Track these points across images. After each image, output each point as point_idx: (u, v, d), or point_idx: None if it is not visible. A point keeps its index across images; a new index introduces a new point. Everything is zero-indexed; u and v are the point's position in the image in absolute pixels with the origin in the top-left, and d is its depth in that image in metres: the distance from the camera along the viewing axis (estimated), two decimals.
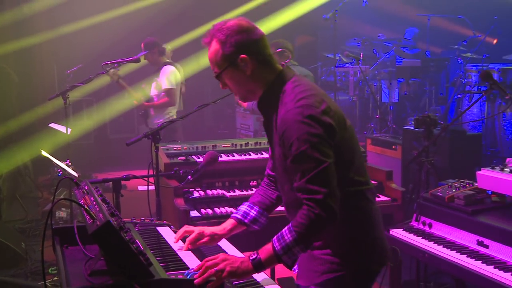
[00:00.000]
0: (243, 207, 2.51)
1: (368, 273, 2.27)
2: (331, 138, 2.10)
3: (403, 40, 8.98)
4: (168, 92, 6.09)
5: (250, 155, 4.02)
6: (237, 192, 3.75)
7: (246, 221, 2.45)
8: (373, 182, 3.91)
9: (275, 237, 2.09)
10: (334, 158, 2.09)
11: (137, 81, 6.53)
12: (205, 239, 2.41)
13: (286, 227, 2.08)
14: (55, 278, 4.49)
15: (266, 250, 2.07)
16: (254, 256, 2.06)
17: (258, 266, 2.05)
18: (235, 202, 3.65)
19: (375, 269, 2.28)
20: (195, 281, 1.93)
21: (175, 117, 6.28)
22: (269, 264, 2.06)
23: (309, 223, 2.02)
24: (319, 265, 2.23)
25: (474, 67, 7.07)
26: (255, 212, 2.47)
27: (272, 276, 3.71)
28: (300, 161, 2.06)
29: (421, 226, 3.37)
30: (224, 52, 2.19)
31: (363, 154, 4.20)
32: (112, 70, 5.65)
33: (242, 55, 2.17)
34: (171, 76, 6.09)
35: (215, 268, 1.99)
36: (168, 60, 6.40)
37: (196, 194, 3.67)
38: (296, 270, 2.37)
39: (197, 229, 2.42)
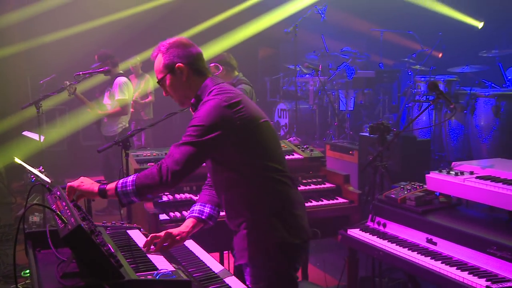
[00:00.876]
0: (196, 207, 2.61)
1: (292, 247, 2.43)
2: (227, 128, 2.33)
3: (358, 53, 9.11)
4: (121, 102, 6.05)
5: None
6: None
7: (203, 217, 2.56)
8: (331, 185, 4.00)
9: (122, 180, 2.39)
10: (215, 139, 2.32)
11: (92, 91, 6.46)
12: (175, 238, 2.47)
13: (133, 175, 2.40)
14: (27, 281, 4.37)
15: (111, 184, 2.40)
16: (102, 184, 2.40)
17: (102, 192, 2.39)
18: None
19: (297, 242, 2.44)
20: None
21: (127, 125, 6.27)
22: (110, 193, 2.37)
23: (150, 179, 2.33)
24: (249, 244, 2.41)
25: (422, 78, 7.21)
26: (208, 209, 2.59)
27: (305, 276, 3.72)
28: (183, 136, 2.37)
29: (376, 226, 3.40)
30: (165, 61, 2.49)
31: (322, 158, 4.25)
32: (68, 83, 5.61)
33: (178, 64, 2.46)
34: (124, 87, 6.06)
35: (73, 184, 2.40)
36: (121, 72, 6.35)
37: (165, 198, 3.63)
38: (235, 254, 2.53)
39: (163, 232, 2.45)
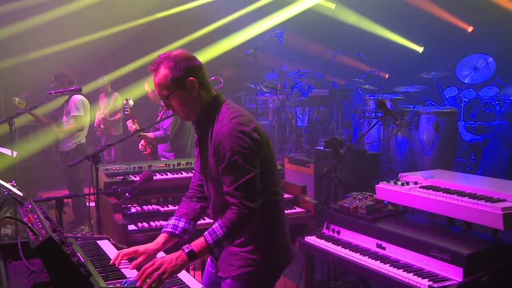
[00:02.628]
0: (171, 221, 2.46)
1: (277, 269, 2.37)
2: (259, 152, 2.21)
3: (312, 73, 9.25)
4: (76, 118, 5.95)
5: (181, 173, 3.98)
6: (171, 207, 3.69)
7: (177, 232, 2.41)
8: (289, 195, 4.02)
9: (206, 232, 2.16)
10: (259, 169, 2.20)
11: (49, 109, 6.32)
12: (141, 257, 2.27)
13: (216, 224, 2.16)
14: None
15: (199, 243, 2.14)
16: (188, 249, 2.12)
17: (192, 256, 2.11)
18: (169, 216, 3.54)
19: (282, 266, 2.38)
20: None
21: (83, 141, 6.14)
22: (201, 255, 2.13)
23: (238, 221, 2.13)
24: (237, 260, 2.31)
25: (371, 97, 7.36)
26: (183, 223, 2.44)
27: None
28: (232, 169, 2.15)
29: (331, 233, 3.43)
30: (174, 76, 2.23)
31: (281, 171, 4.29)
32: (18, 99, 5.49)
33: (190, 78, 2.23)
34: (78, 104, 5.95)
35: (157, 273, 2.02)
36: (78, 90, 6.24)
37: (133, 210, 3.57)
38: (213, 265, 2.46)
39: (132, 249, 2.30)
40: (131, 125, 4.97)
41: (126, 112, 5.00)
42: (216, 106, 2.29)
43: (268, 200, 2.30)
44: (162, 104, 4.88)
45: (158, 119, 4.80)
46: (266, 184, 2.27)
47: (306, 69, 9.38)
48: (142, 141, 5.08)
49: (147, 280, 2.01)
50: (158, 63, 2.27)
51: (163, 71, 2.25)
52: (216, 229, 2.15)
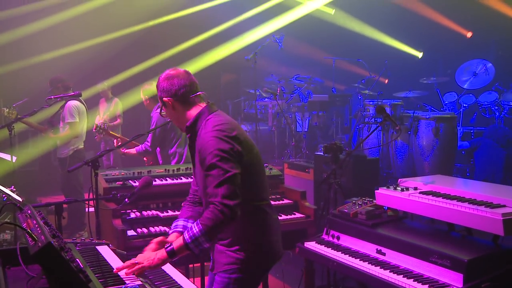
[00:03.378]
0: (180, 222, 2.58)
1: (261, 269, 2.54)
2: (239, 157, 2.35)
3: (311, 78, 9.27)
4: (70, 125, 5.92)
5: (181, 179, 3.98)
6: (170, 213, 3.69)
7: None
8: (289, 201, 4.02)
9: (186, 230, 2.31)
10: (240, 170, 2.32)
11: (46, 115, 6.31)
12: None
13: (194, 223, 2.31)
14: None
15: (178, 241, 2.29)
16: (168, 247, 2.29)
17: (171, 253, 2.28)
18: (169, 222, 3.58)
19: (266, 266, 2.56)
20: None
21: (81, 147, 6.12)
22: (180, 252, 2.28)
23: (214, 219, 2.24)
24: (224, 258, 2.48)
25: (371, 102, 7.35)
26: (191, 224, 2.48)
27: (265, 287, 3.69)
28: (212, 171, 2.30)
29: (330, 239, 3.42)
30: (159, 94, 2.55)
31: (280, 176, 4.28)
32: (7, 110, 5.48)
33: (165, 98, 2.50)
34: (73, 110, 5.89)
35: (138, 266, 2.21)
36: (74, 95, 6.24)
37: (132, 215, 3.57)
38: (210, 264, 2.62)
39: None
40: (118, 144, 5.04)
41: (102, 135, 5.07)
42: (203, 117, 2.48)
43: (254, 206, 2.46)
44: (151, 114, 4.95)
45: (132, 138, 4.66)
46: (250, 190, 2.43)
47: (306, 75, 9.39)
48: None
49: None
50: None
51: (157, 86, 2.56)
52: (193, 227, 2.29)
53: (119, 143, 5.04)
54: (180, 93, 2.49)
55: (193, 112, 2.50)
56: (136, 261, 2.26)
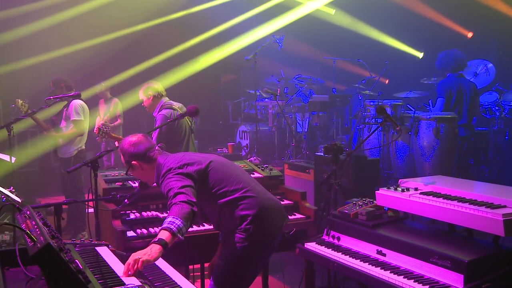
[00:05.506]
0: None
1: (263, 243, 2.96)
2: (185, 178, 2.82)
3: (312, 78, 9.27)
4: (76, 122, 5.94)
5: None
6: None
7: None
8: (289, 202, 4.02)
9: (166, 225, 2.51)
10: (188, 184, 2.78)
11: (47, 115, 6.31)
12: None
13: (169, 218, 2.55)
14: None
15: (164, 234, 2.47)
16: (158, 239, 2.44)
17: (164, 244, 2.43)
18: None
19: (267, 239, 2.98)
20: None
21: (83, 147, 6.13)
22: (171, 241, 2.47)
23: (183, 210, 2.59)
24: (230, 244, 2.93)
25: (371, 103, 7.34)
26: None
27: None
28: (168, 193, 2.75)
29: (331, 240, 3.42)
30: (125, 159, 3.02)
31: (280, 177, 4.28)
32: (21, 101, 5.49)
33: (133, 161, 2.99)
34: (79, 108, 5.93)
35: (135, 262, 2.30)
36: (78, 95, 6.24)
37: (132, 216, 3.57)
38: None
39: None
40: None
41: (104, 139, 5.05)
42: (158, 167, 2.98)
43: (235, 197, 2.92)
44: (154, 114, 4.91)
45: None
46: (224, 188, 2.92)
47: (306, 75, 9.39)
48: None
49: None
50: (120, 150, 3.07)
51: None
52: (173, 220, 2.54)
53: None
54: (142, 154, 2.99)
55: (154, 166, 2.99)
56: (134, 258, 2.29)
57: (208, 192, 2.92)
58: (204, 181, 2.92)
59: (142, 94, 5.03)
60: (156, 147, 3.04)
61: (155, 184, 3.05)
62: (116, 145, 5.04)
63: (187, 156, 3.02)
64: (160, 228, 2.52)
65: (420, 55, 10.17)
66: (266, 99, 9.09)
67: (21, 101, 5.51)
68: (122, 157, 3.05)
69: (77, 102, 5.94)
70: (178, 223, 2.51)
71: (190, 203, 2.64)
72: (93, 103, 6.35)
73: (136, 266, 2.24)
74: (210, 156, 3.10)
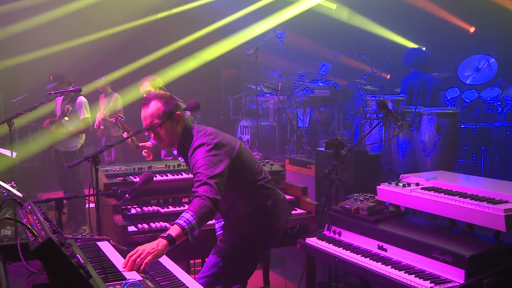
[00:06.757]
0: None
1: (269, 234, 3.02)
2: (220, 161, 2.71)
3: (314, 74, 9.25)
4: (85, 120, 5.96)
5: (182, 174, 3.98)
6: (171, 208, 3.69)
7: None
8: (290, 197, 4.02)
9: (179, 220, 2.47)
10: (222, 171, 2.68)
11: (45, 110, 6.33)
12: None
13: (185, 213, 2.50)
14: None
15: (174, 229, 2.43)
16: (166, 235, 2.40)
17: (172, 241, 2.40)
18: (169, 217, 3.60)
19: (273, 232, 3.03)
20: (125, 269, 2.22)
21: (83, 142, 6.17)
22: (179, 238, 2.43)
23: (203, 207, 2.51)
24: (236, 230, 2.98)
25: (373, 98, 7.33)
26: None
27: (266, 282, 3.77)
28: (197, 176, 2.65)
29: (332, 235, 3.43)
30: (165, 109, 2.79)
31: (281, 172, 4.28)
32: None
33: (177, 112, 2.82)
34: (87, 105, 5.98)
35: (140, 258, 2.26)
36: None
37: (133, 211, 3.58)
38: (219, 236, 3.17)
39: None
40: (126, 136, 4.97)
41: (119, 129, 4.99)
42: (188, 133, 2.86)
43: (255, 186, 2.93)
44: None
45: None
46: (249, 175, 2.92)
47: (307, 70, 9.38)
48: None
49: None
50: (150, 99, 2.81)
51: (155, 104, 2.79)
52: (184, 214, 2.49)
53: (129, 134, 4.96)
54: (182, 110, 2.88)
55: (180, 128, 2.86)
56: (138, 252, 2.29)
57: (231, 175, 2.78)
58: (232, 165, 2.80)
59: (149, 86, 4.80)
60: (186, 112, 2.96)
61: (175, 151, 2.95)
62: (124, 136, 4.99)
63: (220, 134, 2.89)
64: (174, 222, 2.48)
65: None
66: (267, 94, 9.09)
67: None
68: (147, 114, 2.80)
69: (84, 99, 6.00)
70: (193, 224, 2.46)
71: (213, 201, 2.55)
72: (92, 98, 6.36)
73: (140, 264, 2.24)
74: (235, 139, 2.99)
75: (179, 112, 2.83)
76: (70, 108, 5.87)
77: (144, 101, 2.83)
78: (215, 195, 2.57)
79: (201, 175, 2.62)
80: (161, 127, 2.80)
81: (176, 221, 2.47)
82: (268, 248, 3.15)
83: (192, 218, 2.47)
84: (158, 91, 4.74)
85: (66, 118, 5.98)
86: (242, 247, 2.96)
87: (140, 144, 4.97)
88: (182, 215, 2.49)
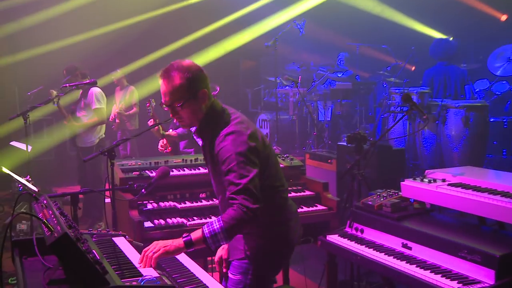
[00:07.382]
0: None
1: (279, 254, 2.67)
2: (255, 157, 2.41)
3: (335, 65, 9.19)
4: (98, 111, 6.00)
5: (199, 169, 3.99)
6: (188, 204, 3.70)
7: None
8: (311, 192, 4.01)
9: (206, 227, 2.34)
10: (258, 170, 2.40)
11: (64, 103, 6.39)
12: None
13: (217, 221, 2.34)
14: None
15: (196, 233, 2.35)
16: (186, 236, 2.34)
17: (189, 244, 2.33)
18: (186, 213, 3.62)
19: (285, 251, 2.69)
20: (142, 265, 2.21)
21: (103, 136, 6.18)
22: (197, 244, 2.34)
23: (236, 219, 2.30)
24: (242, 245, 2.60)
25: (397, 90, 7.26)
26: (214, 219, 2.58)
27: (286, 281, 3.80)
28: (230, 175, 2.35)
29: (354, 232, 3.41)
30: (189, 86, 2.40)
31: (301, 167, 4.27)
32: (55, 93, 5.58)
33: (203, 89, 2.44)
34: (99, 96, 6.02)
35: (152, 252, 2.25)
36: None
37: (149, 206, 3.60)
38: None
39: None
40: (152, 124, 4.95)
41: (149, 113, 4.96)
42: (215, 114, 2.50)
43: (273, 195, 2.59)
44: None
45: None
46: (270, 182, 2.55)
47: (328, 61, 9.31)
48: (162, 141, 4.99)
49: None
50: (169, 72, 2.40)
51: (176, 80, 2.39)
52: (213, 223, 2.34)
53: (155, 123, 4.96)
54: (209, 85, 2.51)
55: (205, 107, 2.50)
56: (152, 247, 2.29)
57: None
58: (264, 163, 2.51)
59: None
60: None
61: (192, 129, 2.57)
62: (149, 124, 4.96)
63: (252, 125, 2.54)
64: (203, 227, 2.36)
65: None
66: (287, 87, 9.05)
67: (56, 93, 5.60)
68: (167, 89, 2.42)
69: (97, 90, 6.04)
70: (219, 237, 2.30)
71: (251, 213, 2.29)
72: (108, 91, 6.42)
73: (151, 260, 2.24)
74: (262, 132, 2.69)
75: (205, 90, 2.45)
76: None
77: (164, 72, 2.42)
78: (254, 205, 2.31)
79: (241, 177, 2.33)
80: (182, 107, 2.42)
81: (204, 226, 2.36)
82: (281, 266, 2.86)
83: (218, 229, 2.30)
84: None
85: (65, 122, 6.07)
86: (255, 270, 2.60)
87: (166, 133, 5.00)
88: (213, 221, 2.34)
